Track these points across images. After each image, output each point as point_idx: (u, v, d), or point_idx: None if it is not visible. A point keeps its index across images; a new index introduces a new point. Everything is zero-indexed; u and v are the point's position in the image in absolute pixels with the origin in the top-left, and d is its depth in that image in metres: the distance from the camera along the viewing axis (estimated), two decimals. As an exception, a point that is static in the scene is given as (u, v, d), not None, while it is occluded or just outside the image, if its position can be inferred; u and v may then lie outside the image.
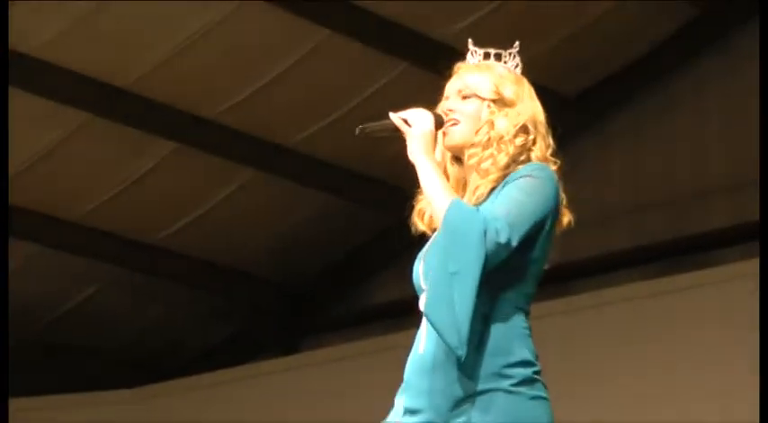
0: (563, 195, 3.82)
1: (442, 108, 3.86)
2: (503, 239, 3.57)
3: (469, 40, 3.97)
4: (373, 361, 9.59)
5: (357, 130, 3.87)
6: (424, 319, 3.71)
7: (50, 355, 10.81)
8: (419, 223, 3.85)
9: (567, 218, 3.82)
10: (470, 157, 3.77)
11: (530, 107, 3.89)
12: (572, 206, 9.50)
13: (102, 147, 9.45)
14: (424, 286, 3.72)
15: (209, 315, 10.81)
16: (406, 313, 9.79)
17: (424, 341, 3.70)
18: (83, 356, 10.88)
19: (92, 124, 9.22)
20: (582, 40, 9.55)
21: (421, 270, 3.76)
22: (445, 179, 3.76)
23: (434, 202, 3.69)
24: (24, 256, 10.01)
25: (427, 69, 8.97)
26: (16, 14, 8.37)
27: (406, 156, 3.84)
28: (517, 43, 3.93)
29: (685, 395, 8.93)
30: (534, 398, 3.64)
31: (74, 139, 9.32)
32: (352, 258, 10.43)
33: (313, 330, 10.69)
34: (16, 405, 10.32)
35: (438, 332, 3.57)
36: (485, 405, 3.59)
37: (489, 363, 3.61)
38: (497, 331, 3.64)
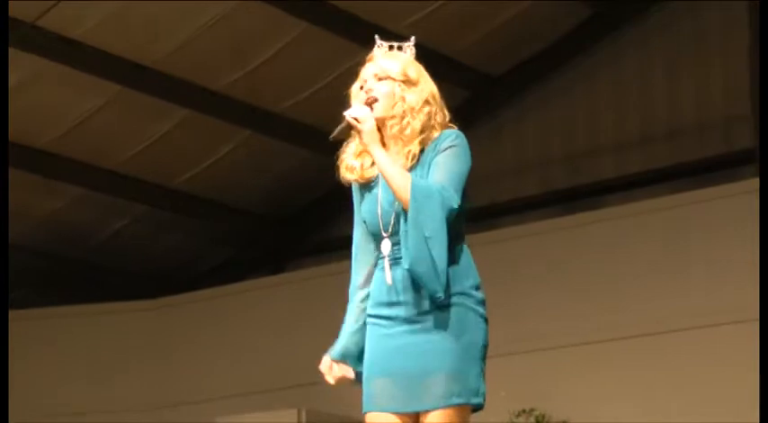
0: None
1: (362, 88, 3.79)
2: (455, 205, 3.60)
3: (376, 36, 3.87)
4: (345, 280, 9.61)
5: (331, 138, 3.79)
6: (385, 261, 3.67)
7: (89, 272, 10.80)
8: (348, 175, 3.79)
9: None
10: (392, 127, 3.72)
11: (428, 85, 3.80)
12: (498, 161, 9.64)
13: (131, 112, 9.46)
14: (384, 233, 3.70)
15: (212, 242, 10.82)
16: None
17: (389, 274, 3.67)
18: (114, 274, 10.90)
19: (123, 94, 9.24)
20: (504, 31, 9.61)
21: (380, 215, 3.72)
22: (395, 161, 3.69)
23: (395, 181, 3.63)
24: (70, 197, 10.06)
25: (385, 56, 9.15)
26: (66, 9, 8.42)
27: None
28: (413, 38, 3.86)
29: (593, 307, 8.89)
30: (483, 317, 3.66)
31: (109, 106, 9.34)
32: (328, 197, 10.29)
33: (297, 254, 10.64)
34: (58, 312, 10.43)
35: (422, 282, 3.57)
36: (449, 314, 3.61)
37: (456, 285, 3.63)
38: (457, 262, 3.66)
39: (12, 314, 10.27)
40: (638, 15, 9.63)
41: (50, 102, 9.19)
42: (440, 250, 3.55)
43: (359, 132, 3.72)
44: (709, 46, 9.39)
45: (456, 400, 3.55)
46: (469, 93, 10.00)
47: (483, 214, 9.54)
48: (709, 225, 8.54)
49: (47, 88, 9.05)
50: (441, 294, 3.56)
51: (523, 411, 8.77)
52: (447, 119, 3.79)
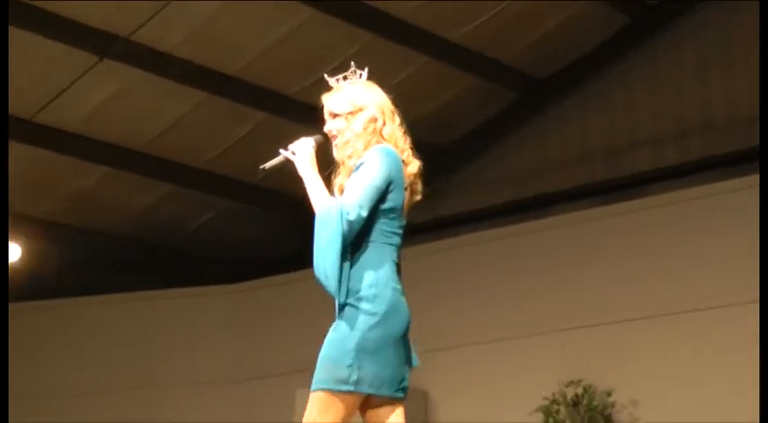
0: (403, 156, 3.85)
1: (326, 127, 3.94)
2: (353, 217, 3.67)
3: (325, 75, 3.98)
4: (411, 264, 9.58)
5: (260, 172, 3.91)
6: None
7: (181, 260, 10.93)
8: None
9: (413, 166, 3.88)
10: (343, 150, 3.88)
11: (375, 102, 3.90)
12: (546, 152, 9.43)
13: (215, 117, 9.58)
14: None
15: (289, 233, 10.85)
16: (440, 228, 9.60)
17: None
18: (200, 261, 11.00)
19: (208, 100, 9.38)
20: (549, 39, 9.65)
21: None
22: (323, 185, 3.83)
23: (313, 202, 3.78)
24: (163, 193, 10.22)
25: (445, 63, 9.13)
26: (157, 25, 8.59)
27: None
28: (352, 63, 4.01)
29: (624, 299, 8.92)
30: (367, 312, 3.69)
31: (196, 111, 9.48)
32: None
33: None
34: (150, 295, 10.61)
35: (321, 286, 3.69)
36: (344, 314, 3.72)
37: (351, 286, 3.71)
38: (359, 268, 3.73)
39: (114, 297, 10.54)
40: (670, 22, 9.68)
41: (144, 108, 9.36)
42: (332, 260, 3.65)
43: (293, 162, 3.86)
44: (737, 48, 9.43)
45: (320, 385, 3.67)
46: (518, 94, 10.11)
47: (531, 204, 9.61)
48: (740, 212, 8.60)
49: (141, 96, 9.23)
50: (336, 296, 3.68)
51: (572, 382, 8.86)
52: (396, 126, 3.88)
